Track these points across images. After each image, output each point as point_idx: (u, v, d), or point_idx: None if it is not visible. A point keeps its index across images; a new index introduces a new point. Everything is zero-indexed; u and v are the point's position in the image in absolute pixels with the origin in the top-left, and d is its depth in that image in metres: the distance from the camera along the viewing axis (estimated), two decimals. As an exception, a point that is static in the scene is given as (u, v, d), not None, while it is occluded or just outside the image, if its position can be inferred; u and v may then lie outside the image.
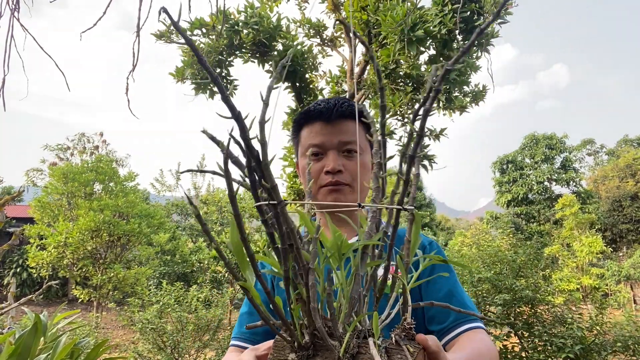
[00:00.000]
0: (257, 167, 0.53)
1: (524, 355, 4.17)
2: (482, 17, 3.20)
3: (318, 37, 4.36)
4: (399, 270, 0.93)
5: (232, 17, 3.84)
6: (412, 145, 0.62)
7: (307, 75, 4.18)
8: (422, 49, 3.33)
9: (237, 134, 0.51)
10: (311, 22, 4.26)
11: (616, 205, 19.04)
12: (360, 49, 4.11)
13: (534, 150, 21.07)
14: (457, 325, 0.95)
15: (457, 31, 3.18)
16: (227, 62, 4.01)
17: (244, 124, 0.50)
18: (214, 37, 3.80)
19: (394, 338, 0.62)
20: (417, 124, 0.61)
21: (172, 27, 3.82)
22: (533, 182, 20.37)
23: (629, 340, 3.97)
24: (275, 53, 3.93)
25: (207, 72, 0.48)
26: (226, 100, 0.49)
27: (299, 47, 3.94)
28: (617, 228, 18.67)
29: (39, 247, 10.14)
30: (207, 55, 3.82)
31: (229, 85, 4.03)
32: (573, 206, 14.53)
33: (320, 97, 4.20)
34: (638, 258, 14.38)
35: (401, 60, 3.57)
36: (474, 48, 3.48)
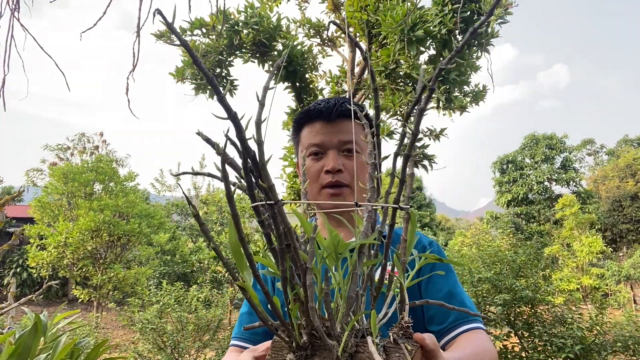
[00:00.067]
0: (253, 167, 0.53)
1: (524, 355, 4.17)
2: (482, 17, 3.20)
3: (318, 37, 4.36)
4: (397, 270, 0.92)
5: (232, 17, 3.84)
6: (406, 144, 0.62)
7: (307, 75, 4.18)
8: (422, 49, 3.33)
9: (233, 134, 0.51)
10: (311, 22, 4.26)
11: (616, 205, 19.04)
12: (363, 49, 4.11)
13: (534, 150, 21.08)
14: (456, 326, 0.95)
15: (457, 31, 3.18)
16: (227, 62, 4.01)
17: (240, 125, 0.50)
18: (214, 37, 3.80)
19: (392, 337, 0.62)
20: (413, 125, 0.61)
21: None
22: (533, 182, 20.37)
23: (629, 340, 3.96)
24: (275, 53, 3.93)
25: (202, 72, 0.48)
26: (222, 100, 0.49)
27: (298, 47, 3.94)
28: (617, 228, 18.66)
29: (39, 247, 10.14)
30: (207, 55, 3.82)
31: (229, 85, 4.03)
32: (573, 206, 14.53)
33: (320, 97, 4.20)
34: (638, 258, 14.38)
35: (401, 60, 3.57)
36: (474, 48, 3.48)
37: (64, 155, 14.67)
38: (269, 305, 0.61)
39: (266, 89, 0.54)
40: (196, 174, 0.62)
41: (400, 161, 0.65)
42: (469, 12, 3.24)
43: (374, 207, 0.68)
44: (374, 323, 0.60)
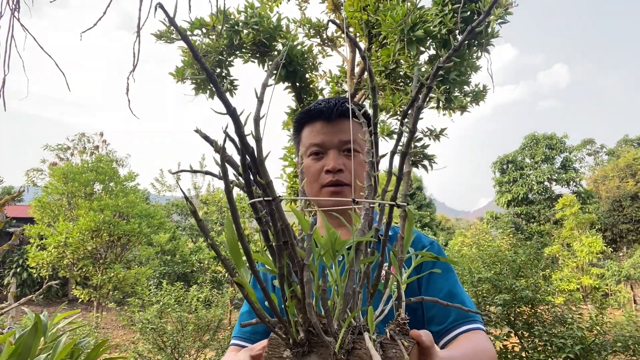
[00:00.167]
0: (252, 163, 0.53)
1: (524, 355, 4.17)
2: (481, 16, 3.19)
3: (318, 37, 4.36)
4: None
5: (232, 17, 3.84)
6: (402, 142, 0.62)
7: (307, 75, 4.18)
8: (422, 49, 3.33)
9: (232, 131, 0.51)
10: (311, 22, 4.26)
11: (616, 205, 19.04)
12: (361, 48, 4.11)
13: (534, 150, 21.08)
14: (456, 326, 0.95)
15: (457, 31, 3.18)
16: (227, 62, 4.01)
17: (239, 120, 0.50)
18: (214, 37, 3.80)
19: (388, 333, 0.62)
20: (411, 125, 0.61)
21: (172, 27, 3.82)
22: (533, 182, 20.37)
23: (629, 340, 3.96)
24: (275, 53, 3.93)
25: (202, 67, 0.48)
26: (221, 96, 0.49)
27: (298, 47, 3.94)
28: (617, 228, 18.66)
29: (39, 247, 10.14)
30: (207, 55, 3.82)
31: (229, 85, 4.03)
32: (573, 206, 14.53)
33: (320, 97, 4.20)
34: (638, 258, 14.37)
35: (401, 60, 3.57)
36: (474, 48, 3.48)
37: (64, 155, 14.68)
38: (266, 303, 0.62)
39: (265, 86, 0.54)
40: (194, 171, 0.62)
41: (397, 159, 0.66)
42: (469, 12, 3.24)
43: (371, 205, 0.69)
44: (371, 319, 0.60)
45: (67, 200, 11.21)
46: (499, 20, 3.37)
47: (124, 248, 11.21)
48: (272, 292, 0.63)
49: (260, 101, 0.53)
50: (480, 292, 4.45)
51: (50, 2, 1.30)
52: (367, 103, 3.93)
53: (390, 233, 1.01)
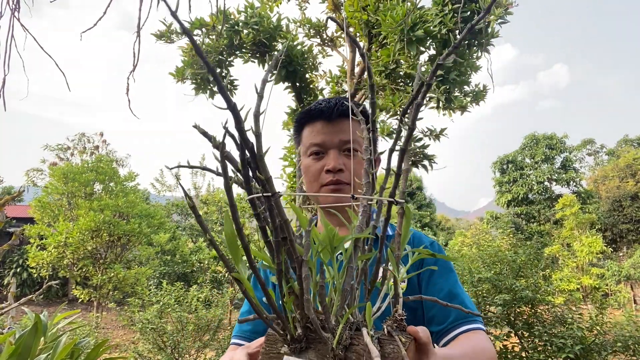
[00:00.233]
0: (251, 158, 0.54)
1: (524, 355, 4.17)
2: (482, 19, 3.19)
3: (318, 37, 4.36)
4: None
5: (232, 17, 3.84)
6: (401, 140, 0.63)
7: (307, 75, 4.18)
8: (422, 49, 3.33)
9: (231, 128, 0.51)
10: (311, 22, 4.26)
11: (616, 205, 19.04)
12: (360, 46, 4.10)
13: (534, 150, 21.08)
14: (456, 326, 0.95)
15: (457, 31, 3.18)
16: (227, 62, 4.01)
17: (239, 115, 0.50)
18: (214, 37, 3.80)
19: (386, 329, 0.62)
20: (410, 122, 0.61)
21: (172, 27, 3.83)
22: (533, 182, 20.37)
23: (629, 340, 3.96)
24: (275, 53, 3.93)
25: (202, 61, 0.48)
26: (222, 90, 0.49)
27: (298, 47, 3.94)
28: (617, 228, 18.66)
29: (39, 247, 10.14)
30: (207, 56, 3.82)
31: (229, 85, 4.03)
32: (573, 206, 14.53)
33: (320, 97, 4.20)
34: (638, 258, 14.37)
35: (401, 60, 3.57)
36: (474, 48, 3.47)
37: (64, 155, 14.68)
38: (264, 299, 0.62)
39: (265, 81, 0.54)
40: (192, 167, 0.62)
41: (395, 155, 0.66)
42: (469, 12, 3.24)
43: (369, 202, 0.69)
44: (369, 315, 0.60)
45: (67, 200, 11.21)
46: (499, 20, 3.37)
47: (124, 248, 11.21)
48: (269, 289, 0.63)
49: (260, 97, 0.53)
50: (480, 292, 4.45)
51: (51, 2, 1.30)
52: (367, 103, 3.92)
53: (390, 232, 1.01)
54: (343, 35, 4.27)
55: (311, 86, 4.23)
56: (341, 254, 0.65)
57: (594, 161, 25.30)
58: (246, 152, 0.53)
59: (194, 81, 3.96)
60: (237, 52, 3.97)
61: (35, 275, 10.49)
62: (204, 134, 0.55)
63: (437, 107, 3.77)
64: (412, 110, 0.62)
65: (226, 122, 0.50)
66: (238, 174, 0.61)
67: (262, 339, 0.74)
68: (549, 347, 3.95)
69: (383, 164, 0.71)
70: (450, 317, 0.96)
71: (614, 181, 19.95)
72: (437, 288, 1.01)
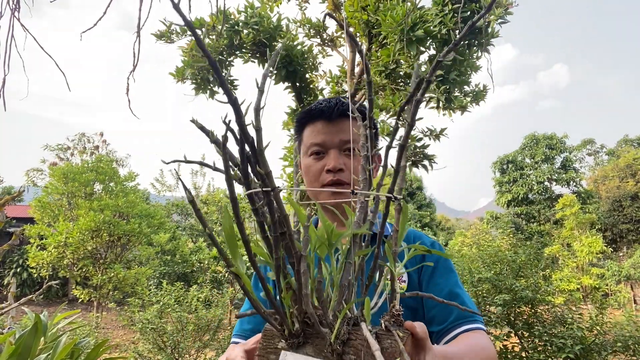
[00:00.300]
0: (251, 153, 0.53)
1: (524, 355, 4.17)
2: (482, 18, 3.20)
3: (318, 37, 4.36)
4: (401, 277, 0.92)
5: (232, 17, 3.84)
6: (399, 137, 0.63)
7: (307, 75, 4.18)
8: (422, 48, 3.33)
9: (231, 124, 0.51)
10: (311, 22, 4.26)
11: (616, 205, 19.04)
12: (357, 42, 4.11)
13: (534, 150, 21.08)
14: (456, 326, 0.95)
15: (457, 31, 3.18)
16: (227, 62, 4.01)
17: (239, 109, 0.50)
18: (214, 37, 3.80)
19: (383, 324, 0.63)
20: (409, 118, 0.61)
21: (172, 27, 3.83)
22: (533, 182, 20.37)
23: (629, 340, 3.96)
24: (276, 60, 3.93)
25: (204, 54, 0.47)
26: (223, 83, 0.49)
27: (298, 47, 3.94)
28: (617, 228, 18.66)
29: (39, 247, 10.14)
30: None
31: (229, 85, 4.03)
32: (573, 206, 14.53)
33: (320, 97, 4.20)
34: (638, 258, 14.37)
35: (401, 60, 3.57)
36: (474, 48, 3.47)
37: (64, 155, 14.68)
38: (262, 294, 0.62)
39: (266, 75, 0.54)
40: (188, 162, 0.62)
41: (391, 152, 0.66)
42: (469, 12, 3.24)
43: (366, 198, 0.69)
44: (367, 310, 0.60)
45: (67, 200, 11.21)
46: (499, 20, 3.37)
47: (124, 248, 11.21)
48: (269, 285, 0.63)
49: (260, 90, 0.53)
50: (480, 292, 4.45)
51: (51, 2, 1.30)
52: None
53: (387, 231, 1.01)
54: (343, 35, 4.27)
55: (311, 86, 4.23)
56: (338, 250, 0.65)
57: (594, 161, 25.32)
58: (246, 146, 0.53)
59: (194, 81, 3.96)
60: (237, 52, 3.97)
61: (35, 275, 10.49)
62: (202, 128, 0.55)
63: (437, 107, 3.77)
64: (410, 107, 0.63)
65: (226, 116, 0.50)
66: (237, 170, 0.61)
67: (258, 336, 0.74)
68: (549, 347, 3.95)
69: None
70: (451, 317, 0.96)
71: (614, 181, 19.95)
72: (438, 288, 1.01)
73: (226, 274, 12.79)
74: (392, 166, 0.65)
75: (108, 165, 11.62)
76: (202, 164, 0.61)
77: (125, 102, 1.40)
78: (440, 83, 3.50)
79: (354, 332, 0.61)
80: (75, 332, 4.68)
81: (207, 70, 3.92)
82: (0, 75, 1.26)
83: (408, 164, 4.01)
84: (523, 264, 4.70)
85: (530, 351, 4.13)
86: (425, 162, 3.91)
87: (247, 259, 0.60)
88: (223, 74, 3.79)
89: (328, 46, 4.40)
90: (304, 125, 1.14)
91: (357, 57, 4.13)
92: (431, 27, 3.14)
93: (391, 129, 3.75)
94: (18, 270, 13.80)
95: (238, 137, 0.52)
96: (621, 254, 18.16)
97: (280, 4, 4.11)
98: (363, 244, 0.69)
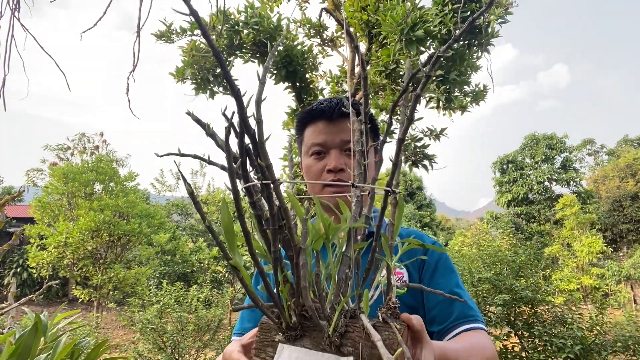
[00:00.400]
0: (252, 145, 0.54)
1: (524, 355, 4.17)
2: (482, 17, 3.20)
3: (318, 37, 4.36)
4: (400, 274, 0.93)
5: (232, 17, 3.84)
6: (397, 133, 0.63)
7: (307, 75, 4.18)
8: (422, 48, 3.33)
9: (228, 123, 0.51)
10: (311, 22, 4.26)
11: (616, 205, 19.03)
12: (361, 49, 4.11)
13: (534, 150, 21.07)
14: (457, 325, 0.95)
15: (457, 31, 3.18)
16: (227, 62, 4.01)
17: (242, 101, 0.50)
18: (214, 37, 3.80)
19: (380, 316, 0.63)
20: (408, 113, 0.62)
21: (172, 27, 3.83)
22: (533, 182, 20.37)
23: (629, 340, 3.96)
24: (276, 53, 3.93)
25: (209, 44, 0.47)
26: (227, 75, 0.49)
27: (298, 47, 3.94)
28: (617, 228, 18.65)
29: (39, 247, 10.13)
30: (207, 55, 3.82)
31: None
32: (573, 206, 14.53)
33: (320, 97, 4.20)
34: (638, 258, 14.37)
35: (401, 60, 3.57)
36: (475, 48, 3.47)
37: (64, 155, 14.68)
38: (259, 287, 0.62)
39: (267, 68, 0.54)
40: (182, 155, 0.62)
41: (386, 147, 0.66)
42: (469, 12, 3.24)
43: (362, 193, 0.69)
44: (366, 302, 0.61)
45: (67, 200, 11.21)
46: (499, 20, 3.37)
47: (124, 248, 11.21)
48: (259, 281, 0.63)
49: (262, 83, 0.53)
50: (480, 292, 4.45)
51: (51, 2, 1.30)
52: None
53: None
54: (343, 35, 4.27)
55: (311, 86, 4.23)
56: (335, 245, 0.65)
57: (594, 161, 25.31)
58: (246, 139, 0.53)
59: (194, 81, 3.96)
60: (237, 52, 3.97)
61: (35, 275, 10.49)
62: (197, 121, 0.55)
63: (437, 107, 3.77)
64: (404, 102, 0.63)
65: (225, 108, 0.50)
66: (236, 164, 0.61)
67: (255, 331, 0.74)
68: (549, 347, 3.95)
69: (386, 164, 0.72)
70: (452, 317, 0.96)
71: (614, 181, 19.95)
72: (438, 288, 1.01)
73: (226, 274, 12.79)
74: (391, 159, 0.65)
75: (108, 165, 11.62)
76: (197, 157, 0.61)
77: (125, 102, 1.40)
78: (440, 83, 3.50)
79: (352, 325, 0.61)
80: (75, 332, 4.68)
81: (207, 70, 3.92)
82: (0, 75, 1.26)
83: (408, 164, 4.02)
84: (523, 264, 4.70)
85: (530, 351, 4.13)
86: (426, 162, 3.91)
87: (248, 252, 0.60)
88: (221, 79, 3.79)
89: (328, 46, 4.40)
90: (305, 125, 1.14)
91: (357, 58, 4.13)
92: (431, 27, 3.14)
93: (391, 129, 3.75)
94: (18, 270, 13.80)
95: (238, 129, 0.52)
96: (621, 254, 18.16)
97: (280, 4, 4.11)
98: (359, 237, 0.69)
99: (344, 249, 0.65)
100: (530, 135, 21.60)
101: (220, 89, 4.06)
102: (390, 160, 0.65)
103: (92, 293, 10.14)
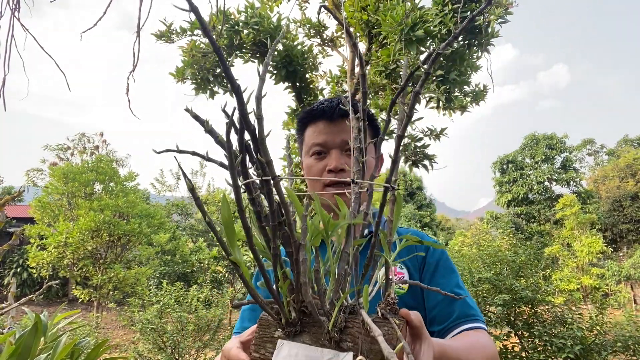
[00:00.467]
0: (252, 141, 0.54)
1: (524, 355, 4.17)
2: (482, 16, 3.20)
3: (318, 37, 4.36)
4: (400, 273, 0.93)
5: (232, 17, 3.84)
6: (394, 131, 0.63)
7: (307, 75, 4.18)
8: (422, 48, 3.33)
9: (229, 121, 0.51)
10: (311, 22, 4.26)
11: (616, 205, 19.04)
12: (361, 49, 4.10)
13: (534, 150, 21.08)
14: (457, 325, 0.95)
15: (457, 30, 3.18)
16: (227, 61, 4.00)
17: (242, 97, 0.50)
18: (214, 36, 3.79)
19: (379, 312, 0.63)
20: (408, 110, 0.62)
21: (172, 27, 3.82)
22: (533, 182, 20.37)
23: (629, 340, 3.96)
24: (276, 53, 3.93)
25: (209, 41, 0.47)
26: (227, 71, 0.49)
27: (298, 47, 3.94)
28: (617, 228, 18.66)
29: (39, 247, 10.14)
30: (207, 55, 3.82)
31: (229, 85, 4.03)
32: (573, 206, 14.53)
33: (320, 97, 4.20)
34: (638, 258, 14.37)
35: (401, 60, 3.57)
36: (474, 48, 3.47)
37: (64, 155, 14.68)
38: (259, 283, 0.62)
39: (267, 64, 0.54)
40: (180, 151, 0.62)
41: (385, 143, 0.67)
42: (469, 12, 3.24)
43: (360, 190, 0.69)
44: (365, 297, 0.61)
45: (67, 200, 11.21)
46: (499, 20, 3.36)
47: (124, 248, 11.21)
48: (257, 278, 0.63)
49: (262, 79, 0.53)
50: (480, 292, 4.45)
51: (51, 2, 1.30)
52: (368, 102, 3.91)
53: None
54: (343, 35, 4.27)
55: (311, 86, 4.23)
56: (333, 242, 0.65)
57: (594, 161, 25.32)
58: (246, 135, 0.53)
59: (194, 81, 3.95)
60: (237, 52, 3.97)
61: (36, 275, 10.49)
62: (196, 117, 0.55)
63: (437, 107, 3.77)
64: (403, 99, 0.63)
65: (225, 105, 0.50)
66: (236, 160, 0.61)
67: (254, 327, 0.74)
68: (549, 347, 3.95)
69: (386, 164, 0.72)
70: (452, 317, 0.97)
71: (614, 181, 19.95)
72: (439, 288, 1.02)
73: (226, 274, 12.79)
74: (390, 156, 0.65)
75: (108, 165, 11.62)
76: (195, 154, 0.61)
77: (126, 102, 1.40)
78: (440, 83, 3.50)
79: (351, 320, 0.62)
80: (75, 332, 4.68)
81: (207, 70, 3.92)
82: (0, 75, 1.26)
83: (408, 164, 4.02)
84: (523, 264, 4.70)
85: (530, 351, 4.13)
86: (426, 162, 3.91)
87: (248, 247, 0.60)
88: (221, 79, 3.78)
89: (328, 46, 4.40)
90: (306, 125, 1.14)
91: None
92: (431, 27, 3.14)
93: (391, 129, 3.75)
94: (18, 270, 13.80)
95: (239, 125, 0.52)
96: (621, 254, 18.16)
97: (280, 3, 4.11)
98: (357, 234, 0.69)
99: (342, 246, 0.65)
100: (530, 135, 21.61)
101: (221, 88, 4.05)
102: (390, 157, 0.65)
103: (92, 293, 10.14)
